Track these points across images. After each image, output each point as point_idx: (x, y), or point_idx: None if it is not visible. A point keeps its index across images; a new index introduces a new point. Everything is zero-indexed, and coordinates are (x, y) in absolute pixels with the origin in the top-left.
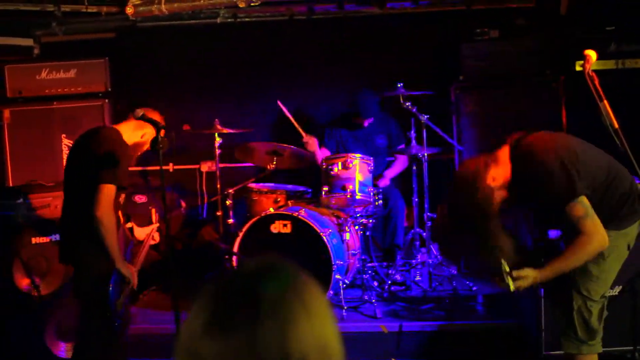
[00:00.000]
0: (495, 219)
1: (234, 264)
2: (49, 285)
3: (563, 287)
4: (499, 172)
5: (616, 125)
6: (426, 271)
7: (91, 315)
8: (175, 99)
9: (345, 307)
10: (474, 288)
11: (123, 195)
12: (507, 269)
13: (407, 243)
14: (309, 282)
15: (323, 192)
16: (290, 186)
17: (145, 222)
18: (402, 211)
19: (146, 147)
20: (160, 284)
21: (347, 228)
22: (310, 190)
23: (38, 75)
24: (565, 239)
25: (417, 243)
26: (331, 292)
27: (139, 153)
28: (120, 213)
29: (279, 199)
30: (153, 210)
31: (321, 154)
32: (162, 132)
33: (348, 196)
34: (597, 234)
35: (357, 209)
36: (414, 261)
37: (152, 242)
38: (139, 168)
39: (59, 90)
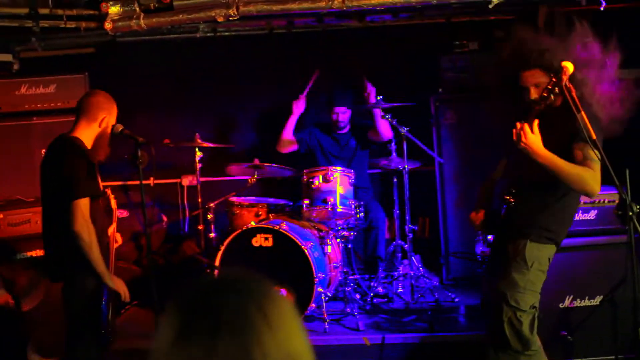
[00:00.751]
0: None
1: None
2: (30, 301)
3: (495, 302)
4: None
5: (594, 136)
6: (408, 283)
7: (83, 332)
8: (156, 114)
9: (328, 320)
10: (456, 299)
11: (101, 203)
12: None
13: (389, 255)
14: (275, 295)
15: (304, 205)
16: (271, 199)
17: (127, 237)
18: (383, 223)
19: (109, 130)
20: (141, 299)
21: (328, 241)
22: (291, 204)
23: (17, 90)
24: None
25: (399, 255)
26: (313, 305)
27: (107, 142)
28: (103, 219)
29: (260, 213)
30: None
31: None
32: (122, 128)
33: (329, 209)
34: (599, 182)
35: (339, 222)
36: (395, 273)
37: (117, 244)
38: (119, 183)
39: (38, 105)
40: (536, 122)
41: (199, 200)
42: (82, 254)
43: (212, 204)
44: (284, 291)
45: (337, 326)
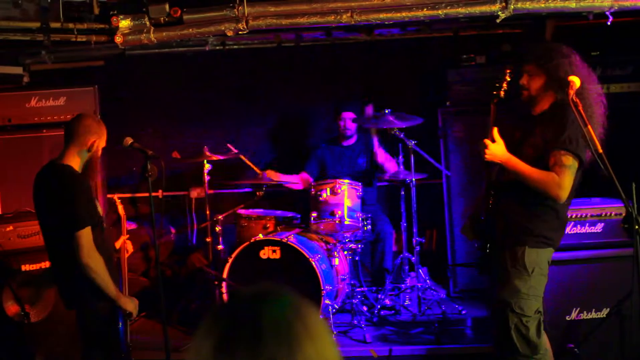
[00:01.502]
0: None
1: (224, 289)
2: (38, 313)
3: (500, 311)
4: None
5: (600, 150)
6: (415, 295)
7: (101, 356)
8: (165, 126)
9: (335, 332)
10: (463, 312)
11: (104, 223)
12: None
13: (396, 267)
14: (310, 305)
15: (312, 218)
16: (279, 212)
17: (136, 248)
18: (390, 236)
19: (101, 149)
20: (150, 311)
21: (336, 253)
22: (299, 216)
23: (27, 103)
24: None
25: (406, 267)
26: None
27: (98, 164)
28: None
29: (268, 225)
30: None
31: (302, 176)
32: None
33: (337, 221)
34: (564, 188)
35: (346, 234)
36: (403, 285)
37: (128, 254)
38: (129, 195)
39: (48, 118)
40: (495, 130)
41: (207, 212)
42: (90, 282)
43: (220, 217)
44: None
45: (345, 338)
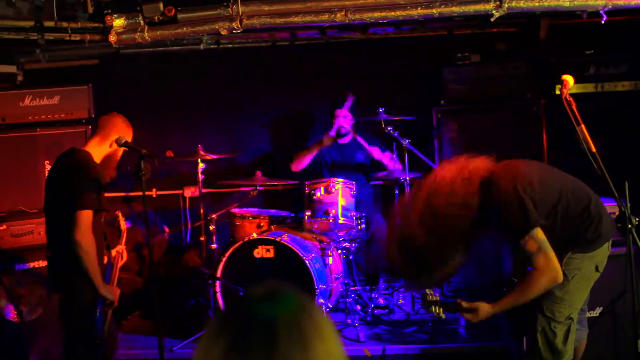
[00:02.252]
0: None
1: (217, 288)
2: (32, 312)
3: (528, 309)
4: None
5: (593, 149)
6: (409, 294)
7: (78, 344)
8: (159, 125)
9: None
10: None
11: (104, 216)
12: (435, 299)
13: None
14: (315, 304)
15: (306, 217)
16: (273, 211)
17: (129, 247)
18: (384, 235)
19: (120, 153)
20: (143, 310)
21: (330, 252)
22: (293, 215)
23: (21, 101)
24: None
25: None
26: None
27: (115, 164)
28: (103, 235)
29: (262, 224)
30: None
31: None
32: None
33: (331, 221)
34: (548, 270)
35: (340, 233)
36: (396, 284)
37: (122, 262)
38: (122, 194)
39: (42, 116)
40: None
41: (201, 211)
42: (81, 266)
43: (214, 215)
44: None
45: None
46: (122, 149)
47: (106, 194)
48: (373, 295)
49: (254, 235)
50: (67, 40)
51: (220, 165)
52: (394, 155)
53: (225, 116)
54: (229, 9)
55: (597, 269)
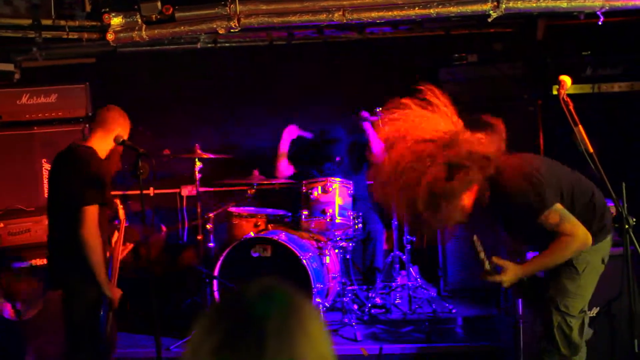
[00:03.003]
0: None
1: (215, 287)
2: (30, 310)
3: (543, 305)
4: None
5: (591, 150)
6: (406, 294)
7: (82, 342)
8: (156, 124)
9: None
10: (454, 310)
11: (107, 212)
12: (481, 250)
13: (387, 266)
14: (309, 304)
15: (303, 216)
16: (270, 210)
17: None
18: (381, 234)
19: (121, 147)
20: (140, 308)
21: (327, 251)
22: (290, 214)
23: (18, 100)
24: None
25: (397, 266)
26: None
27: (119, 156)
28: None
29: (259, 223)
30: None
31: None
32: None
33: (328, 220)
34: (578, 234)
35: (337, 233)
36: (393, 284)
37: (122, 256)
38: (120, 193)
39: (39, 115)
40: (487, 267)
41: (198, 210)
42: (85, 264)
43: (211, 214)
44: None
45: (335, 336)
46: (115, 141)
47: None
48: (370, 294)
49: (251, 234)
50: (64, 38)
51: (217, 164)
52: None
53: (223, 115)
54: (227, 7)
55: (602, 261)
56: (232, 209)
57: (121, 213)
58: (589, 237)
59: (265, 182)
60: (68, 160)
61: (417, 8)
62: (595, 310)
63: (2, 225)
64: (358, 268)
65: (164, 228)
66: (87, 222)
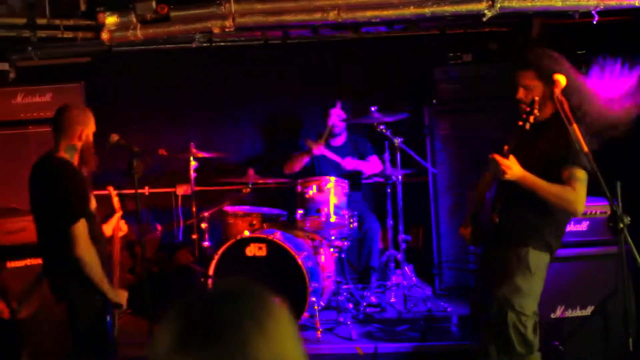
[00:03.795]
0: None
1: (210, 286)
2: (25, 309)
3: (497, 308)
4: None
5: (585, 149)
6: (401, 293)
7: (89, 351)
8: (151, 123)
9: (321, 329)
10: (449, 309)
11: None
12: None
13: (382, 265)
14: (272, 306)
15: (298, 215)
16: (265, 209)
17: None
18: (376, 233)
19: (90, 140)
20: (135, 308)
21: (322, 250)
22: (285, 213)
23: (13, 99)
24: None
25: (392, 265)
26: (306, 314)
27: (91, 153)
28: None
29: (254, 222)
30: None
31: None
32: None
33: (323, 219)
34: (580, 202)
35: (332, 232)
36: (388, 283)
37: (122, 233)
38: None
39: (34, 114)
40: (506, 148)
41: (193, 209)
42: (82, 275)
43: (206, 213)
44: (277, 300)
45: (330, 335)
46: (92, 137)
47: (97, 192)
48: (365, 293)
49: (246, 233)
50: (59, 37)
51: (212, 163)
52: (385, 157)
53: (218, 114)
54: (222, 7)
55: (546, 267)
56: (227, 208)
57: (115, 202)
58: (580, 205)
59: (261, 181)
60: (43, 176)
61: (412, 7)
62: (590, 309)
63: None
64: (353, 267)
65: (159, 227)
66: (79, 241)
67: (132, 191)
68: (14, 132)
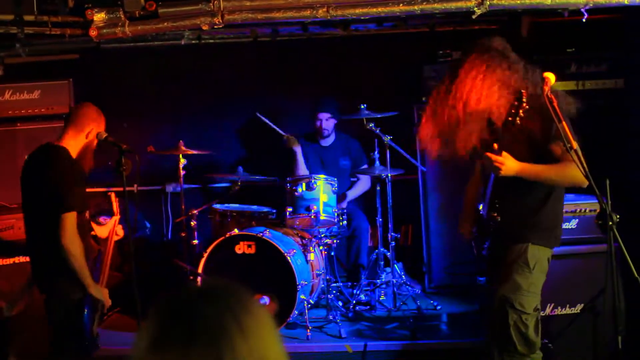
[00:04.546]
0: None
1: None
2: (12, 308)
3: (498, 307)
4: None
5: (574, 146)
6: (390, 291)
7: (67, 343)
8: (140, 120)
9: (310, 327)
10: (438, 307)
11: (87, 213)
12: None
13: (372, 263)
14: (252, 306)
15: (287, 213)
16: (254, 207)
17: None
18: (366, 231)
19: (95, 142)
20: (124, 306)
21: (311, 248)
22: (274, 211)
23: (1, 96)
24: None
25: (382, 263)
26: (296, 312)
27: (92, 154)
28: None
29: (243, 220)
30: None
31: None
32: (106, 135)
33: (312, 217)
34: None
35: (322, 230)
36: (378, 281)
37: (117, 237)
38: (103, 189)
39: (22, 111)
40: (495, 145)
41: (182, 207)
42: (65, 266)
43: (195, 211)
44: (266, 298)
45: (320, 333)
46: (97, 138)
47: (86, 189)
48: (355, 291)
49: (236, 231)
50: (47, 34)
51: (201, 160)
52: (375, 155)
53: (207, 111)
54: (211, 4)
55: (548, 260)
56: (217, 206)
57: (115, 206)
58: (584, 179)
59: (250, 179)
60: (43, 161)
61: (401, 4)
62: (579, 307)
63: None
64: (343, 265)
65: (148, 225)
66: (68, 230)
67: (121, 189)
68: (2, 129)
